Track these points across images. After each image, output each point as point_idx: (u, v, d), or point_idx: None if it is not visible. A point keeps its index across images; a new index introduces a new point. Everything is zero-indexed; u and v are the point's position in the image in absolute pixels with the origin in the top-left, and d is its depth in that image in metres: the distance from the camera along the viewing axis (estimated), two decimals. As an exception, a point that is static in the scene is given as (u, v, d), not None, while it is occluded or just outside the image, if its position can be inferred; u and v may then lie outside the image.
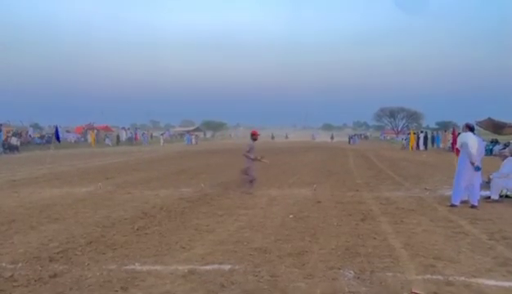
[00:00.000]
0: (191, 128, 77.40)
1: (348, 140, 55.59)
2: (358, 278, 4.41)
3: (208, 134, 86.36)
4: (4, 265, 4.93)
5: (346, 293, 4.02)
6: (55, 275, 4.58)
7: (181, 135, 68.81)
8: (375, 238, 6.08)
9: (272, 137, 72.63)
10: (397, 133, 75.27)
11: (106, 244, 5.86)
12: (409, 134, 41.37)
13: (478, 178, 8.70)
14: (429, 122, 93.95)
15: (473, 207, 8.51)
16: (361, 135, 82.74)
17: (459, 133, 10.37)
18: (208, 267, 4.80)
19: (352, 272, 4.57)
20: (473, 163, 8.59)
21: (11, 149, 30.17)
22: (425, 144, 36.26)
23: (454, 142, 16.57)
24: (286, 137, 79.94)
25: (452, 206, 8.64)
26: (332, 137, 70.79)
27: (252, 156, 10.96)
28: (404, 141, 41.84)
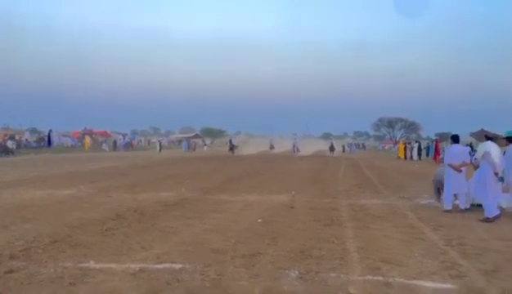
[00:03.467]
0: (191, 135, 77.64)
1: (342, 149, 55.26)
2: (301, 278, 4.56)
3: (208, 141, 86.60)
4: (-36, 261, 5.08)
5: (284, 292, 4.16)
6: (10, 271, 4.72)
7: (180, 141, 69.09)
8: (333, 242, 6.22)
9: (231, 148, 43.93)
10: (395, 143, 75.40)
11: (70, 244, 6.01)
12: (403, 144, 41.64)
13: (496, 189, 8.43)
14: (429, 132, 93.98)
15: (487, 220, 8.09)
16: (358, 144, 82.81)
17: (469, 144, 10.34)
18: (159, 266, 4.94)
19: (297, 272, 4.71)
20: (496, 174, 8.29)
21: (6, 152, 30.41)
22: (419, 154, 36.46)
23: (437, 153, 16.82)
24: (271, 148, 50.38)
25: (496, 217, 8.08)
26: (332, 148, 45.51)
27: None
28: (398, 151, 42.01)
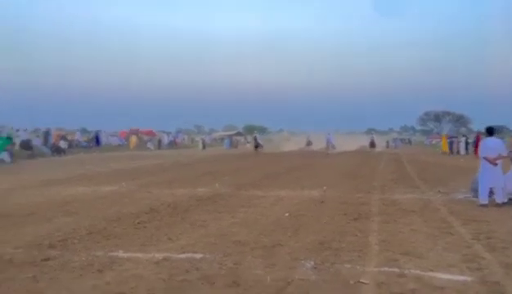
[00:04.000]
0: (233, 133, 78.50)
1: (385, 144, 53.95)
2: (315, 268, 4.67)
3: (250, 138, 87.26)
4: (8, 249, 5.56)
5: (295, 280, 4.30)
6: (47, 259, 5.14)
7: (222, 139, 70.05)
8: (356, 235, 6.27)
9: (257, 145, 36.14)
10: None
11: (104, 235, 6.41)
12: (451, 138, 40.36)
13: None
14: (480, 126, 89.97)
15: None
16: (404, 139, 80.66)
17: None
18: (182, 255, 5.21)
19: (312, 263, 4.83)
20: None
21: (58, 151, 32.10)
22: (467, 148, 35.15)
23: (477, 146, 16.31)
24: (308, 144, 43.76)
25: None
26: (372, 144, 40.74)
27: None
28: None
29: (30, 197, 10.72)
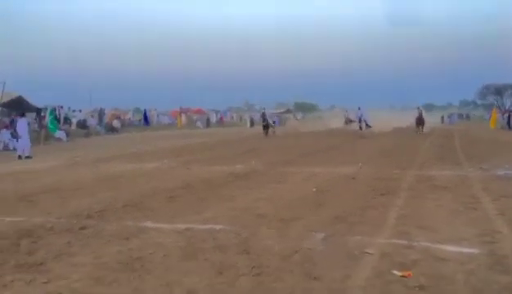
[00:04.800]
0: (282, 110, 78.49)
1: (440, 119, 52.10)
2: (325, 239, 4.86)
3: (299, 116, 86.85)
4: (51, 219, 6.15)
5: (302, 249, 4.51)
6: (83, 228, 5.66)
7: (270, 117, 70.39)
8: (377, 210, 6.35)
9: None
10: (504, 112, 68.91)
11: (138, 207, 6.89)
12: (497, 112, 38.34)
13: None
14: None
15: None
16: (462, 114, 77.22)
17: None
18: (203, 226, 5.56)
19: (323, 234, 5.01)
20: None
21: (112, 130, 33.84)
22: (528, 123, 33.25)
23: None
24: (347, 122, 40.89)
25: None
26: (420, 120, 29.96)
27: None
28: (503, 121, 38.59)
29: (80, 173, 11.55)
